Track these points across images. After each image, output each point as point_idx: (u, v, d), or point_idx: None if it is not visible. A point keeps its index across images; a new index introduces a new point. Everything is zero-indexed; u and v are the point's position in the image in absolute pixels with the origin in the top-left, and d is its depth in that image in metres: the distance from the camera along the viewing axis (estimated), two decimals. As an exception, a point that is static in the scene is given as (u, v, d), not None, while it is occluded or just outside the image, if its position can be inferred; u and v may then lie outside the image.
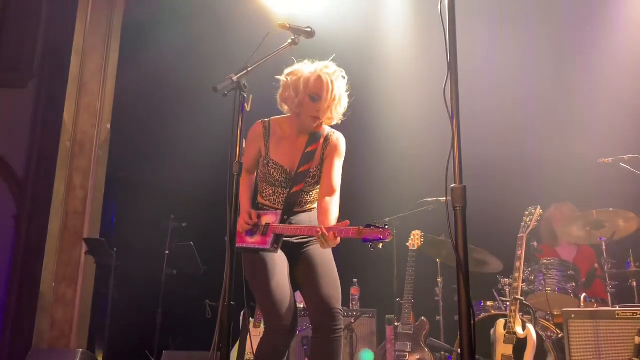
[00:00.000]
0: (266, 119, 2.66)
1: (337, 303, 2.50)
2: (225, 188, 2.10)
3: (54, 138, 5.75)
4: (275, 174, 2.58)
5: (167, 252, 5.14)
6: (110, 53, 6.22)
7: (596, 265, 4.18)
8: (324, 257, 2.58)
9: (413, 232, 4.24)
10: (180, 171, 5.73)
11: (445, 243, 4.26)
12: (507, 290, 3.97)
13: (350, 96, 2.60)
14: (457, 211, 1.67)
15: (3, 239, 5.63)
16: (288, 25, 2.34)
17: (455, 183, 1.70)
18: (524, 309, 3.50)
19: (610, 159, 4.03)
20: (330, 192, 2.56)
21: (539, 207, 3.64)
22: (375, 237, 2.18)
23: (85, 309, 5.70)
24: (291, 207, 2.57)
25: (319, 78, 2.49)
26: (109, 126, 6.11)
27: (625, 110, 4.80)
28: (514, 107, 5.17)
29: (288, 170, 2.59)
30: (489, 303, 4.11)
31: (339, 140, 2.65)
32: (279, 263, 2.54)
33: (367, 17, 5.67)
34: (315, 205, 2.65)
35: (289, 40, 2.34)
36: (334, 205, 2.52)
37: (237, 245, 2.52)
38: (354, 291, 4.53)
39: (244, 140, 2.04)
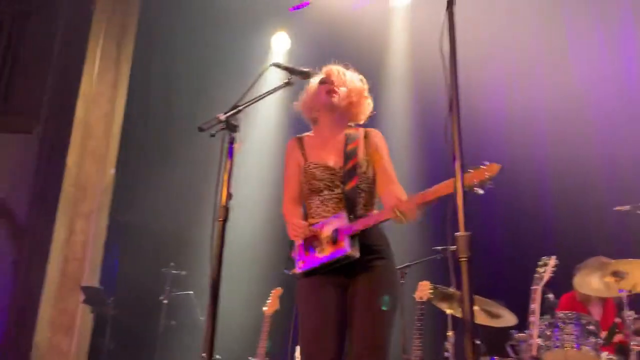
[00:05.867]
0: (296, 136, 2.57)
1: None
2: (225, 235, 1.95)
3: (57, 183, 5.70)
4: (317, 173, 2.38)
5: (165, 301, 4.96)
6: (117, 99, 6.25)
7: (617, 320, 3.93)
8: (386, 285, 2.25)
9: (420, 283, 4.03)
10: (182, 216, 5.62)
11: (456, 294, 4.05)
12: (522, 345, 3.73)
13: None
14: (463, 263, 1.51)
15: (1, 285, 5.50)
16: (283, 66, 2.25)
17: (459, 231, 1.55)
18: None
19: (627, 207, 3.86)
20: (391, 182, 2.38)
21: (553, 257, 3.45)
22: (480, 178, 1.82)
23: (80, 359, 5.49)
24: (353, 205, 2.30)
25: (326, 69, 2.53)
26: (112, 171, 6.06)
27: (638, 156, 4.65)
28: (525, 154, 5.04)
29: (332, 166, 2.39)
30: (502, 360, 3.85)
31: (378, 134, 2.52)
32: (329, 296, 2.25)
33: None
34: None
35: (285, 81, 2.24)
36: (399, 187, 2.34)
37: (304, 270, 2.26)
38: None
39: (232, 183, 1.91)
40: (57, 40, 5.98)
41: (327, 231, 2.22)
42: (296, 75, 2.27)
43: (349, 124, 2.56)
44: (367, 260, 2.26)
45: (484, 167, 1.83)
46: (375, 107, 2.58)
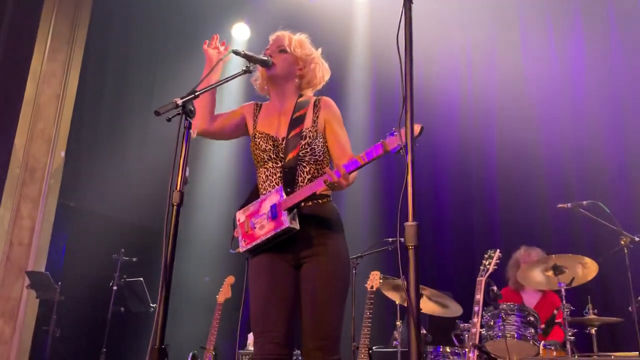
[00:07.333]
0: (260, 102, 2.48)
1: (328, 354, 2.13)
2: (180, 221, 1.95)
3: (3, 165, 5.49)
4: (262, 143, 2.29)
5: (114, 287, 4.87)
6: (69, 79, 6.06)
7: (555, 312, 4.12)
8: (330, 275, 2.18)
9: (372, 273, 4.12)
10: (134, 202, 5.52)
11: (405, 285, 4.15)
12: (466, 335, 3.86)
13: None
14: (410, 251, 1.57)
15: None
16: (243, 53, 2.24)
17: (408, 220, 1.61)
18: (483, 356, 3.39)
19: (569, 204, 4.03)
20: (344, 154, 2.25)
21: (498, 250, 3.58)
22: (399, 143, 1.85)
23: (24, 347, 5.33)
24: (292, 177, 2.21)
25: (271, 36, 2.48)
26: (63, 153, 5.89)
27: (582, 156, 4.86)
28: (475, 147, 5.19)
29: (275, 135, 2.30)
30: (447, 349, 3.98)
31: (329, 102, 2.38)
32: (279, 273, 2.20)
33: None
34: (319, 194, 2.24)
35: (243, 68, 2.23)
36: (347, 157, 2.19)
37: (247, 248, 2.21)
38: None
39: (187, 168, 1.91)
40: (6, 17, 5.73)
41: (265, 207, 2.18)
42: (255, 62, 2.27)
43: (305, 90, 2.44)
44: (316, 236, 2.20)
45: (397, 132, 1.87)
46: (335, 98, 2.43)
